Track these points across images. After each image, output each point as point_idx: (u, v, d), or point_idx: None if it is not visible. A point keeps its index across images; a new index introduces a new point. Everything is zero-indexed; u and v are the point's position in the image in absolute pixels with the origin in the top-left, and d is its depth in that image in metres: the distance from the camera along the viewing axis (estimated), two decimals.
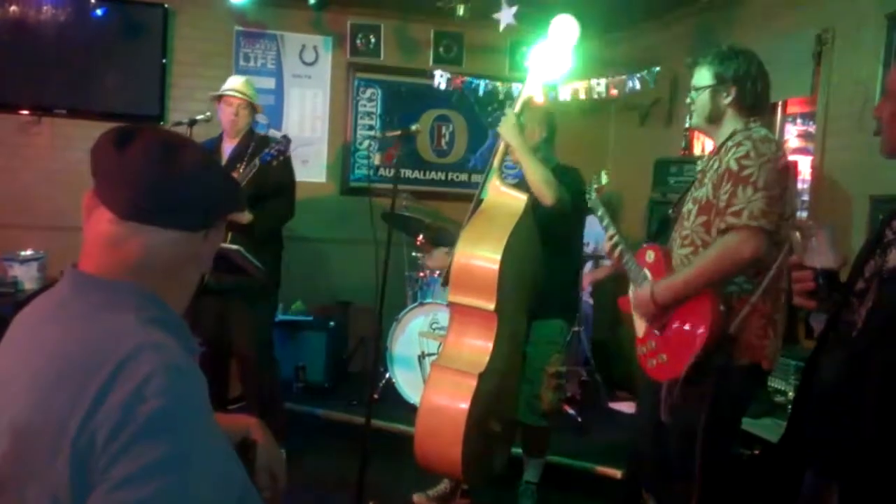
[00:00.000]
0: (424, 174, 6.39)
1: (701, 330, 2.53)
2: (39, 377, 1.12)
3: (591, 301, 5.75)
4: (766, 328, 2.60)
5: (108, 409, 1.04)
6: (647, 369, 2.77)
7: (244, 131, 4.28)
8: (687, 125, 2.89)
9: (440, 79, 5.80)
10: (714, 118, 2.72)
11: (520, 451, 3.92)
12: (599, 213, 3.14)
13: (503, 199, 3.41)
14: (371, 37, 6.17)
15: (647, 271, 2.80)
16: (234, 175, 3.85)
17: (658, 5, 5.58)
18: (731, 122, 2.69)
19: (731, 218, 2.50)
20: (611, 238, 2.97)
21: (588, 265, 5.61)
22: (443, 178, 6.42)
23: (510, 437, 3.71)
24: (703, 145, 5.00)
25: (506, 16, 5.23)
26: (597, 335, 5.95)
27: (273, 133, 5.87)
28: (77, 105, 5.63)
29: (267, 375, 4.30)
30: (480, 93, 5.88)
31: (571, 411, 4.89)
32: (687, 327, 2.59)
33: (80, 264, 1.22)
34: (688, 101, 2.80)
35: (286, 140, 3.96)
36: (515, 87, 5.88)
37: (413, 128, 3.85)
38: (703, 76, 2.72)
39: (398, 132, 3.83)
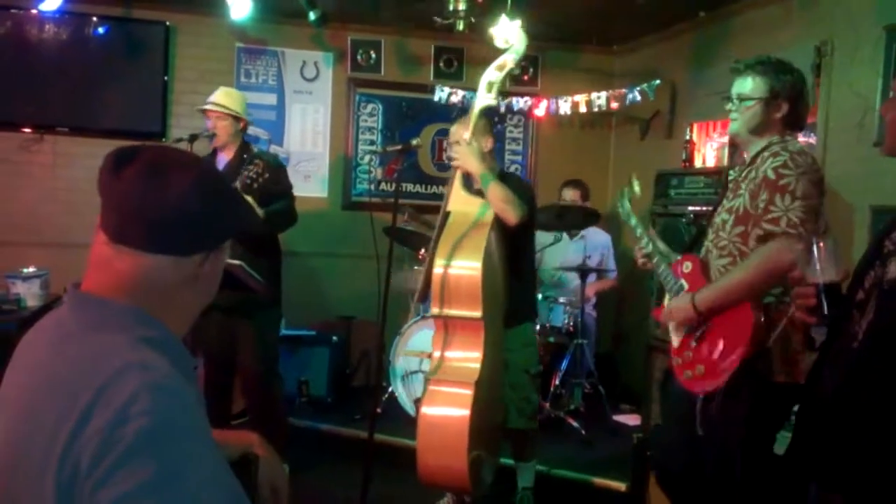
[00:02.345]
0: (426, 188, 6.40)
1: (741, 342, 2.50)
2: (30, 398, 1.12)
3: (594, 314, 5.74)
4: (803, 342, 2.53)
5: (91, 431, 1.02)
6: (681, 381, 2.73)
7: (233, 144, 4.21)
8: (729, 132, 2.80)
9: (441, 93, 5.82)
10: (759, 130, 2.68)
11: (510, 460, 3.91)
12: (633, 223, 3.13)
13: (472, 208, 3.44)
14: (371, 52, 6.20)
15: (683, 281, 2.81)
16: None
17: (658, 19, 5.60)
18: (769, 135, 2.68)
19: (768, 225, 2.50)
20: (646, 246, 2.98)
21: (592, 277, 5.60)
22: (444, 192, 6.41)
23: (496, 448, 3.71)
24: (703, 158, 5.01)
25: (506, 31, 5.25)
26: (601, 348, 5.95)
27: (275, 149, 5.90)
28: (79, 123, 5.66)
29: (271, 391, 4.28)
30: None
31: (575, 423, 4.88)
32: (726, 339, 2.56)
33: (82, 284, 1.22)
34: (730, 107, 2.70)
35: (264, 163, 3.84)
36: (515, 100, 5.91)
37: (414, 142, 3.86)
38: (755, 86, 2.65)
39: (399, 147, 3.84)
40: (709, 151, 4.98)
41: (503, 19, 3.41)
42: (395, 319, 5.13)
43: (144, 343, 1.14)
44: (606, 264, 5.71)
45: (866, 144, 3.79)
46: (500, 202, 3.38)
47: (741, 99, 2.67)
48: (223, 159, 4.22)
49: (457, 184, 3.51)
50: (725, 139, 4.77)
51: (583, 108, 5.64)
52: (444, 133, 6.32)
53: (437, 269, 3.30)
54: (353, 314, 5.89)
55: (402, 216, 5.32)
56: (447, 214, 3.47)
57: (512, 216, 3.37)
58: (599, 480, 4.25)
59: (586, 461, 4.48)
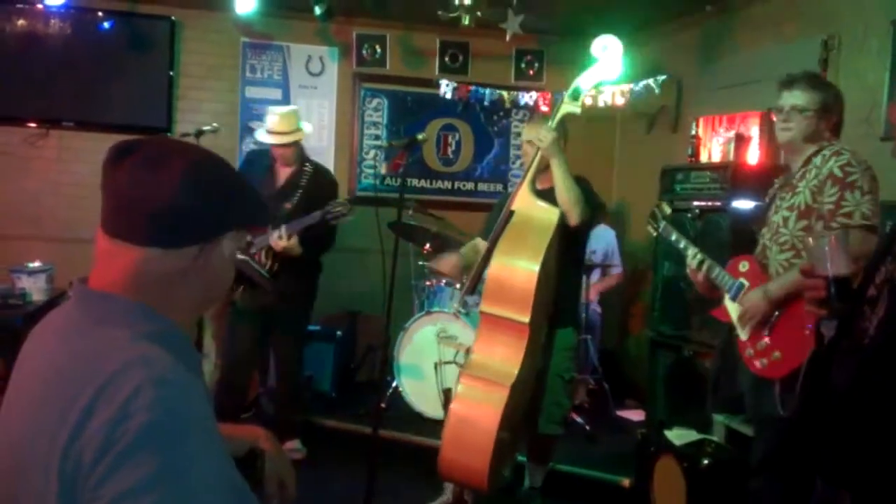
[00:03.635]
0: (431, 183, 6.39)
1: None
2: (34, 394, 1.12)
3: (599, 310, 5.73)
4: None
5: (94, 427, 1.02)
6: (755, 369, 2.87)
7: (296, 160, 4.45)
8: (783, 140, 2.98)
9: (446, 88, 5.81)
10: (812, 138, 2.87)
11: (522, 457, 3.91)
12: (674, 238, 3.29)
13: (537, 212, 3.42)
14: (377, 47, 6.20)
15: (743, 280, 2.97)
16: (287, 206, 4.24)
17: (664, 13, 5.59)
18: (819, 141, 2.87)
19: (843, 219, 2.68)
20: (694, 257, 3.12)
21: (596, 274, 5.60)
22: (449, 187, 6.42)
23: (517, 446, 3.71)
24: (709, 153, 4.98)
25: (512, 25, 5.24)
26: (605, 344, 5.94)
27: None
28: (84, 117, 5.66)
29: (300, 380, 4.75)
30: (486, 102, 5.89)
31: (579, 419, 4.87)
32: (800, 323, 2.68)
33: (89, 279, 1.22)
34: (782, 117, 2.89)
35: (348, 207, 4.17)
36: (521, 95, 5.90)
37: (419, 137, 3.85)
38: (810, 98, 2.85)
39: (404, 141, 3.83)
40: (715, 146, 4.95)
41: (608, 37, 3.47)
42: (401, 314, 5.14)
43: (148, 338, 1.13)
44: (612, 260, 5.71)
45: (873, 139, 3.76)
46: (569, 201, 3.39)
47: (799, 110, 2.85)
48: (284, 170, 4.45)
49: (525, 185, 3.49)
50: (731, 134, 4.76)
51: (588, 103, 5.62)
52: (449, 128, 6.34)
53: (494, 269, 3.30)
54: (358, 309, 5.89)
55: (408, 210, 5.32)
56: (511, 213, 3.45)
57: (576, 216, 3.39)
58: (603, 476, 4.26)
59: (590, 457, 4.49)
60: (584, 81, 3.48)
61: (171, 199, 1.14)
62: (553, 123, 3.48)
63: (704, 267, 3.08)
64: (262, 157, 4.50)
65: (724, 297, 3.05)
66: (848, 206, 2.68)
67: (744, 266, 3.01)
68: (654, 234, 3.50)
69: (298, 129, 4.40)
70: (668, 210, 3.53)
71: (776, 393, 2.78)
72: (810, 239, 2.03)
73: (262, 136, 4.43)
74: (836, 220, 2.69)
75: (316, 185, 4.37)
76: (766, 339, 2.84)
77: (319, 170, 4.55)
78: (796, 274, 2.72)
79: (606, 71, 3.45)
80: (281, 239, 4.09)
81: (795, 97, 2.86)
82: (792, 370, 2.67)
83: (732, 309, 3.00)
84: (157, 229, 1.16)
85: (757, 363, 2.86)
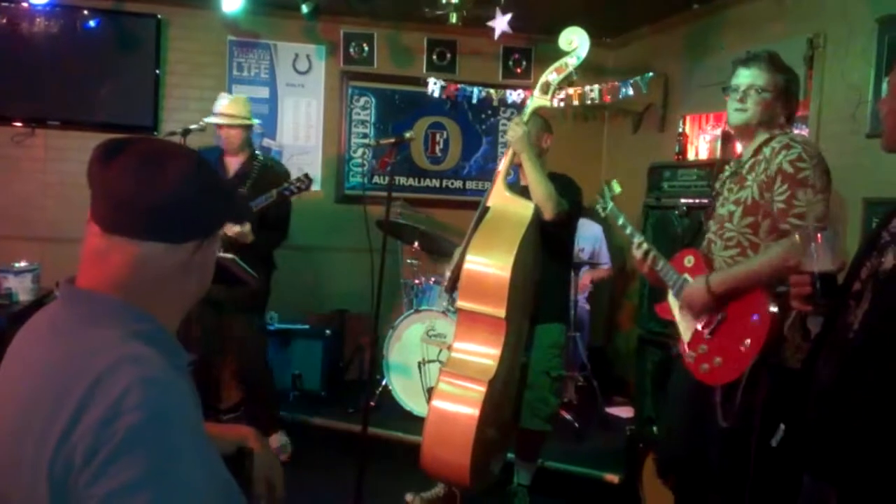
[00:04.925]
0: (419, 181, 6.39)
1: (759, 333, 2.51)
2: (22, 394, 1.12)
3: (587, 306, 5.75)
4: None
5: (84, 426, 1.02)
6: (697, 374, 2.72)
7: (244, 150, 4.43)
8: (736, 122, 2.77)
9: (434, 86, 5.81)
10: (767, 123, 2.71)
11: (511, 454, 3.91)
12: (621, 222, 3.15)
13: (512, 206, 3.42)
14: (364, 45, 6.19)
15: (687, 276, 2.81)
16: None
17: (650, 11, 5.60)
18: (772, 128, 2.72)
19: (795, 220, 2.54)
20: (639, 246, 2.96)
21: (583, 270, 5.61)
22: (437, 185, 6.42)
23: (506, 443, 3.71)
24: (696, 150, 5.01)
25: (500, 23, 5.25)
26: (593, 340, 5.96)
27: (268, 143, 5.88)
28: (71, 116, 5.63)
29: (265, 373, 4.64)
30: (474, 100, 5.89)
31: (568, 416, 4.89)
32: (743, 330, 2.57)
33: (76, 279, 1.22)
34: (737, 97, 2.72)
35: (308, 180, 4.14)
36: (509, 93, 5.90)
37: (407, 135, 3.85)
38: (771, 78, 2.68)
39: (392, 140, 3.83)
40: (702, 144, 4.98)
41: (574, 29, 3.48)
42: (389, 313, 5.14)
43: (137, 337, 1.14)
44: (599, 256, 5.73)
45: (859, 136, 3.79)
46: (541, 196, 3.41)
47: (757, 90, 2.68)
48: (234, 160, 4.43)
49: (500, 180, 3.50)
50: (718, 131, 4.78)
51: (575, 102, 5.63)
52: (437, 126, 6.34)
53: (468, 264, 3.30)
54: (347, 308, 5.88)
55: (395, 209, 5.32)
56: (486, 209, 3.45)
57: (549, 210, 3.40)
58: (592, 473, 4.27)
59: (579, 453, 4.50)
60: (553, 74, 3.49)
61: (175, 193, 1.17)
62: (524, 118, 3.49)
63: (650, 258, 2.91)
64: (211, 153, 4.44)
65: (669, 292, 2.90)
66: (800, 206, 2.55)
67: (689, 261, 2.83)
68: (603, 214, 3.36)
69: (247, 117, 4.41)
70: (617, 189, 3.34)
71: (717, 401, 2.65)
72: (797, 235, 2.03)
73: (210, 117, 4.43)
74: (787, 222, 2.57)
75: (266, 175, 4.34)
76: (707, 345, 2.69)
77: (270, 162, 4.58)
78: (739, 270, 2.63)
79: (574, 63, 3.46)
80: (234, 224, 4.01)
81: (754, 76, 2.68)
82: (733, 379, 2.56)
83: (675, 306, 2.86)
84: (161, 224, 1.18)
85: (698, 369, 2.72)
